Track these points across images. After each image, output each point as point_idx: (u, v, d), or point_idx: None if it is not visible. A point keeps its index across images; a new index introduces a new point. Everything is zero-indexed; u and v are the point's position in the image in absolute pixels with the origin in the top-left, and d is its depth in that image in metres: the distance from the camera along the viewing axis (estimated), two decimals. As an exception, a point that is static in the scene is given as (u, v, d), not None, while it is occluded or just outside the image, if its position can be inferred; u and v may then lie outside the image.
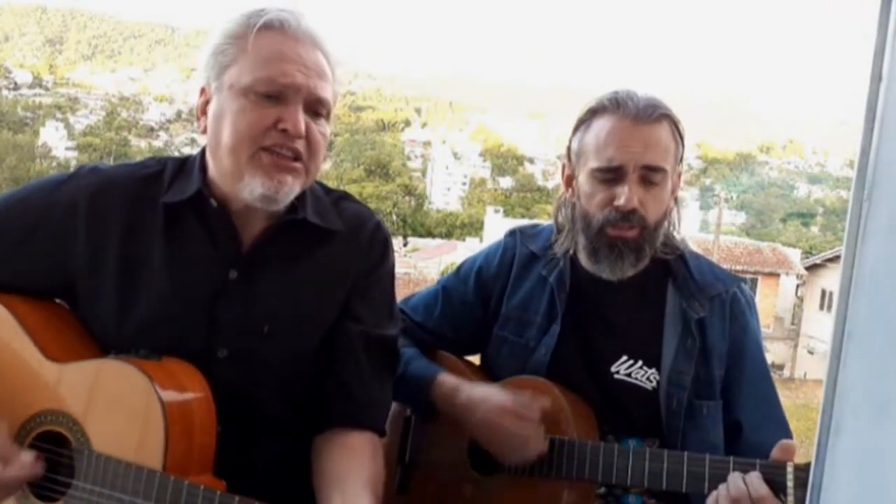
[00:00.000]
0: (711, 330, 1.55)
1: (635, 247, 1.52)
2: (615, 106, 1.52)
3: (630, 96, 1.52)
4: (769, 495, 1.28)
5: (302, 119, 1.25)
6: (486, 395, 1.51)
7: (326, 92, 1.29)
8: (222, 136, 1.25)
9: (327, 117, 1.32)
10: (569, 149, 1.61)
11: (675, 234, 1.61)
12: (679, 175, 1.59)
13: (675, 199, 1.60)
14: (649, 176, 1.49)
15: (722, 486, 1.32)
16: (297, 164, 1.27)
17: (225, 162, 1.26)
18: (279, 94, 1.24)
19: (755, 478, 1.30)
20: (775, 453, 1.33)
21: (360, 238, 1.41)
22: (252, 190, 1.23)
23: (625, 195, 1.48)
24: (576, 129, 1.59)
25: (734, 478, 1.31)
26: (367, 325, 1.37)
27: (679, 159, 1.56)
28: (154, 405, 1.13)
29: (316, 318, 1.35)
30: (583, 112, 1.58)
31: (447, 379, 1.58)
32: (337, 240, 1.38)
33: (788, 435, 1.54)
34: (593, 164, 1.52)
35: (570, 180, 1.62)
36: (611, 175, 1.50)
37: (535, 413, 1.45)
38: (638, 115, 1.49)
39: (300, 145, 1.26)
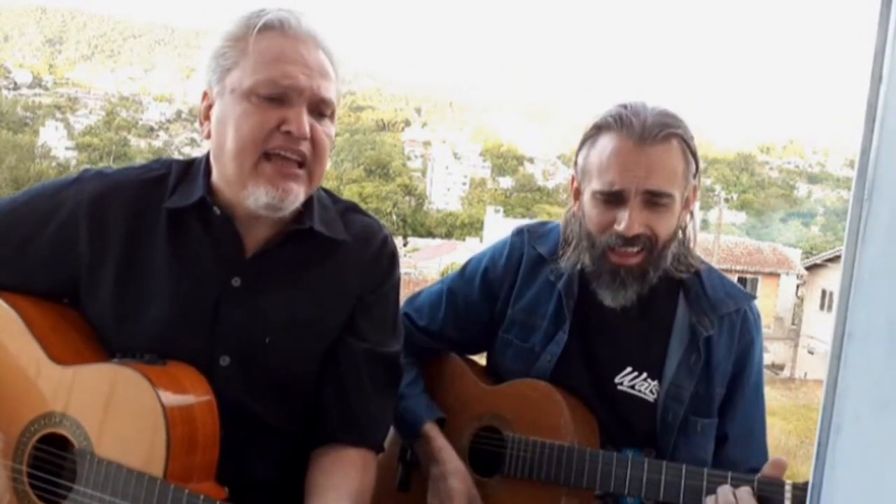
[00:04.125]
0: (718, 348, 1.54)
1: (639, 273, 1.48)
2: (620, 125, 1.46)
3: (636, 113, 1.46)
4: None
5: (306, 120, 1.23)
6: (452, 490, 1.50)
7: (330, 92, 1.26)
8: (226, 141, 1.23)
9: (332, 117, 1.29)
10: (575, 163, 1.58)
11: (690, 248, 1.57)
12: (694, 189, 1.53)
13: (691, 214, 1.55)
14: (653, 199, 1.45)
15: (710, 498, 1.31)
16: (301, 171, 1.25)
17: (229, 169, 1.24)
18: (282, 96, 1.22)
19: (745, 493, 1.29)
20: (767, 469, 1.32)
21: (368, 252, 1.39)
22: (257, 199, 1.22)
23: (625, 221, 1.44)
24: (581, 145, 1.55)
25: (724, 491, 1.30)
26: (370, 342, 1.36)
27: (692, 176, 1.50)
28: (156, 411, 1.13)
29: (318, 329, 1.33)
30: (588, 128, 1.53)
31: (431, 436, 1.57)
32: (343, 251, 1.36)
33: (765, 457, 1.54)
34: (595, 185, 1.48)
35: (578, 193, 1.58)
36: (612, 198, 1.46)
37: None
38: (643, 136, 1.43)
39: (305, 147, 1.24)
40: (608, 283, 1.50)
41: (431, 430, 1.58)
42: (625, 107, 1.49)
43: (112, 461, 1.15)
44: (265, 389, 1.29)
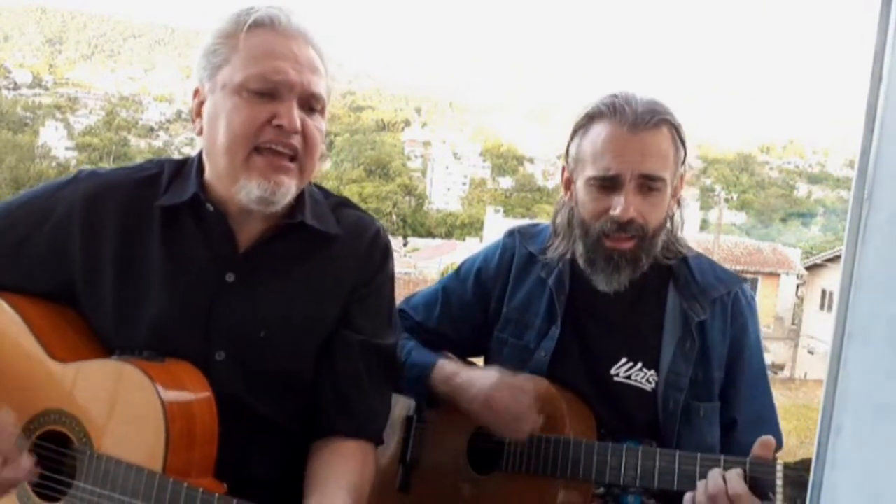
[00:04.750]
0: (712, 332, 1.55)
1: (632, 258, 1.50)
2: (612, 112, 1.49)
3: (628, 101, 1.49)
4: (746, 493, 1.28)
5: (297, 114, 1.24)
6: (483, 373, 1.53)
7: (320, 87, 1.28)
8: (218, 136, 1.24)
9: (322, 112, 1.31)
10: (567, 153, 1.60)
11: (678, 236, 1.59)
12: (682, 177, 1.57)
13: (678, 202, 1.58)
14: (647, 184, 1.48)
15: (701, 483, 1.32)
16: (293, 164, 1.26)
17: (221, 163, 1.26)
18: (272, 90, 1.23)
19: (734, 475, 1.30)
20: (756, 449, 1.33)
21: (360, 244, 1.40)
22: (248, 192, 1.24)
23: (621, 205, 1.46)
24: (573, 134, 1.57)
25: (714, 474, 1.31)
26: (366, 334, 1.37)
27: (681, 163, 1.54)
28: (155, 406, 1.13)
29: (313, 323, 1.34)
30: (580, 117, 1.56)
31: (447, 364, 1.60)
32: (335, 244, 1.37)
33: (778, 436, 1.54)
34: (590, 172, 1.50)
35: (569, 184, 1.61)
36: (608, 183, 1.48)
37: (529, 389, 1.47)
38: (635, 122, 1.46)
39: (296, 141, 1.25)
40: (603, 267, 1.52)
41: (442, 361, 1.60)
42: (615, 96, 1.52)
43: (111, 457, 1.16)
44: (261, 384, 1.30)
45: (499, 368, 1.53)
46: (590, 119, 1.53)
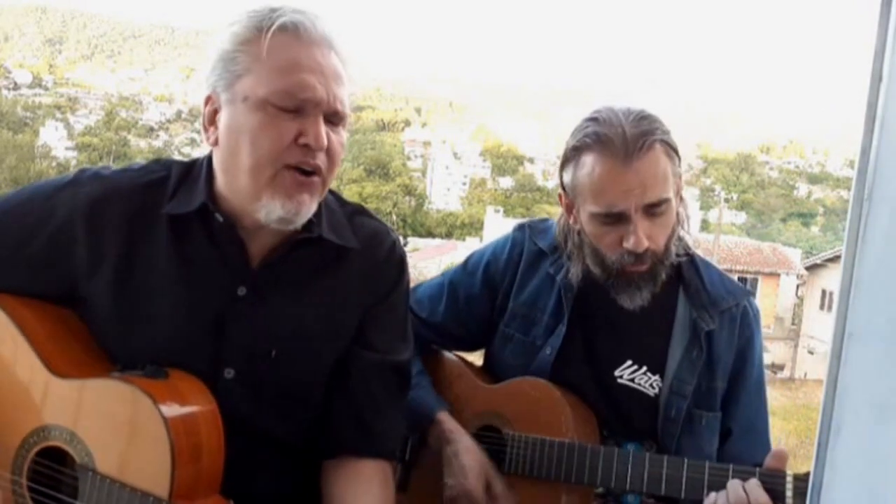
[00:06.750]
0: (719, 343, 1.55)
1: (651, 277, 1.51)
2: (600, 144, 1.44)
3: (611, 126, 1.43)
4: (769, 503, 1.28)
5: (323, 131, 1.18)
6: (466, 467, 1.49)
7: (344, 98, 1.22)
8: (240, 154, 1.17)
9: (344, 125, 1.25)
10: (561, 180, 1.57)
11: (684, 233, 1.59)
12: (679, 177, 1.55)
13: (681, 199, 1.57)
14: (653, 210, 1.46)
15: (721, 493, 1.31)
16: (316, 179, 1.21)
17: (242, 181, 1.19)
18: (298, 107, 1.16)
19: (755, 485, 1.30)
20: (769, 461, 1.33)
21: (376, 258, 1.35)
22: (269, 212, 1.18)
23: (633, 238, 1.44)
24: (563, 165, 1.54)
25: (734, 485, 1.31)
26: (381, 352, 1.33)
27: (678, 168, 1.53)
28: (158, 426, 1.10)
29: (326, 341, 1.30)
30: (568, 148, 1.52)
31: (445, 421, 1.57)
32: (352, 258, 1.32)
33: (767, 446, 1.56)
34: (593, 208, 1.47)
35: (570, 208, 1.58)
36: (613, 219, 1.47)
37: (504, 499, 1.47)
38: (627, 153, 1.41)
39: (321, 159, 1.20)
40: (624, 288, 1.51)
41: (444, 415, 1.59)
42: (596, 121, 1.46)
43: (115, 479, 1.13)
44: (271, 402, 1.26)
45: (481, 467, 1.51)
46: (577, 151, 1.49)
